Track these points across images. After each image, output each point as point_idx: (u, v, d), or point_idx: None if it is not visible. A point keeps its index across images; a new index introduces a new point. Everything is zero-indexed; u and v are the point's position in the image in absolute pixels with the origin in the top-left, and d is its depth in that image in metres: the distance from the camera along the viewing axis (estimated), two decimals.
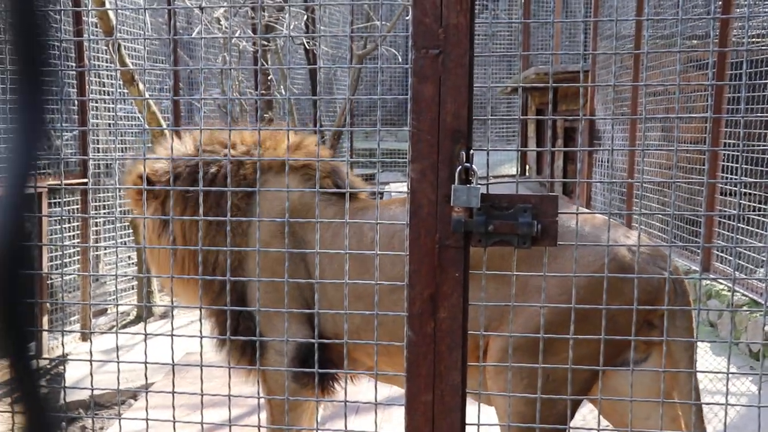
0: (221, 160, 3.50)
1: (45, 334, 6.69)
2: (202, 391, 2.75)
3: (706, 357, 5.33)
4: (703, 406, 4.28)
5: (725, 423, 2.41)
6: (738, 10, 6.09)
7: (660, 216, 7.67)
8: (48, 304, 6.79)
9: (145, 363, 2.81)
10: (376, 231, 2.71)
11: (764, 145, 5.74)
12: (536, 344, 2.51)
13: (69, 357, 6.13)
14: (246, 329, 3.38)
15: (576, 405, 2.99)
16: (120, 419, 3.18)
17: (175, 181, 3.50)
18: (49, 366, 6.58)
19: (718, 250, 6.36)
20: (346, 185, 3.45)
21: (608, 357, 2.62)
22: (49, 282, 7.41)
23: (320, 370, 2.75)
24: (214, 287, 3.51)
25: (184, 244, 3.55)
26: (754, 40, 6.63)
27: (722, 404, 2.37)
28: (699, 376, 4.66)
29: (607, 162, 9.35)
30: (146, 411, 3.04)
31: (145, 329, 2.79)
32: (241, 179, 3.57)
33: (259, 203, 3.44)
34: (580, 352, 2.58)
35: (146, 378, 2.88)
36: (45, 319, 6.76)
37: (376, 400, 2.47)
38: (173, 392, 2.80)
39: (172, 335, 2.74)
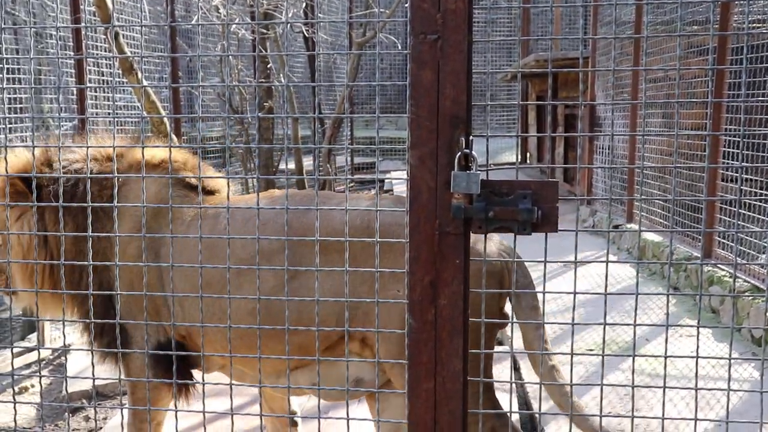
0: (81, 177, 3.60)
1: (47, 325, 6.70)
2: (203, 380, 2.75)
3: (708, 343, 5.33)
4: (706, 392, 4.30)
5: (728, 408, 2.41)
6: None
7: (660, 202, 7.66)
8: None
9: (146, 352, 2.81)
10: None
11: (766, 130, 5.72)
12: None
13: (71, 347, 6.14)
14: (111, 326, 3.45)
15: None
16: (122, 409, 3.18)
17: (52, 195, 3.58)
18: (51, 356, 6.59)
19: (719, 236, 6.35)
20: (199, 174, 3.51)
21: None
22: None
23: (178, 381, 2.88)
24: (82, 293, 3.58)
25: (57, 256, 3.57)
26: (754, 24, 6.59)
27: (725, 390, 2.37)
28: (701, 362, 4.68)
29: (608, 148, 9.33)
30: (148, 401, 3.05)
31: (146, 321, 2.79)
32: (104, 188, 3.65)
33: (120, 204, 3.52)
34: None
35: (147, 368, 2.88)
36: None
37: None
38: (174, 381, 2.80)
39: (172, 325, 2.74)
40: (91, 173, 3.58)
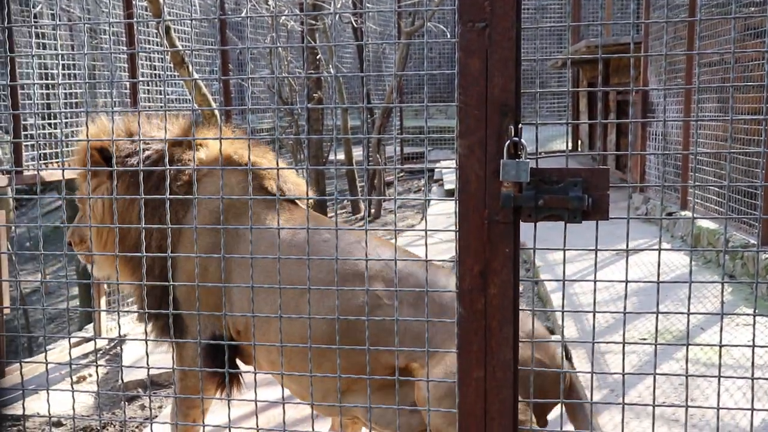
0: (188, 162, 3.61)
1: (103, 316, 6.82)
2: (255, 370, 2.78)
3: (766, 332, 5.23)
4: (763, 381, 4.22)
5: None
6: None
7: (715, 188, 7.52)
8: (105, 287, 6.92)
9: (199, 342, 2.85)
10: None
11: None
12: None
13: (126, 337, 6.25)
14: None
15: None
16: (176, 398, 3.24)
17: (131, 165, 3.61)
18: (107, 346, 6.72)
19: None
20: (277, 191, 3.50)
21: None
22: None
23: (231, 370, 2.87)
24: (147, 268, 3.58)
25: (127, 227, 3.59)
26: None
27: None
28: (758, 351, 4.59)
29: (661, 135, 9.18)
30: (201, 391, 3.09)
31: (198, 310, 2.83)
32: (181, 174, 3.67)
33: (198, 193, 3.52)
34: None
35: (200, 358, 2.92)
36: (103, 300, 6.88)
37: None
38: (226, 371, 2.84)
39: (225, 316, 2.78)
40: (171, 159, 3.63)
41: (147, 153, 3.67)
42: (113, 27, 7.45)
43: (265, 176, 3.67)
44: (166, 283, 2.84)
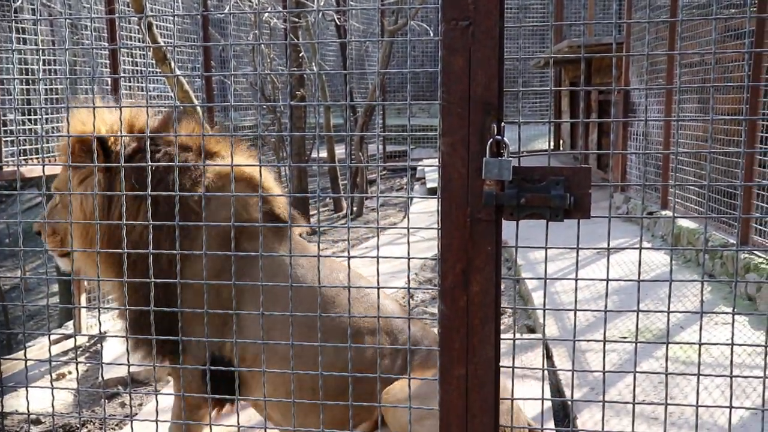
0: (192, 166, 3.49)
1: (83, 313, 6.78)
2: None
3: (744, 331, 5.27)
4: (741, 380, 4.25)
5: (764, 397, 2.39)
6: None
7: (695, 188, 7.57)
8: (86, 284, 6.87)
9: (180, 339, 2.84)
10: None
11: None
12: None
13: (106, 334, 6.22)
14: (169, 324, 3.27)
15: None
16: (157, 395, 3.22)
17: (128, 160, 3.40)
18: (87, 343, 6.68)
19: (756, 222, 6.26)
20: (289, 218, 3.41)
21: None
22: None
23: (214, 395, 2.85)
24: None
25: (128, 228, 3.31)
26: None
27: (761, 377, 2.34)
28: (737, 350, 4.63)
29: (642, 134, 9.24)
30: (182, 388, 3.08)
31: (179, 307, 2.82)
32: (195, 182, 3.49)
33: (210, 209, 3.41)
34: None
35: (180, 354, 2.91)
36: (83, 298, 6.84)
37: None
38: (208, 368, 2.82)
39: (205, 312, 2.77)
40: (172, 160, 3.39)
41: (158, 156, 3.48)
42: (95, 23, 7.41)
43: (274, 203, 3.63)
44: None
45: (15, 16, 7.42)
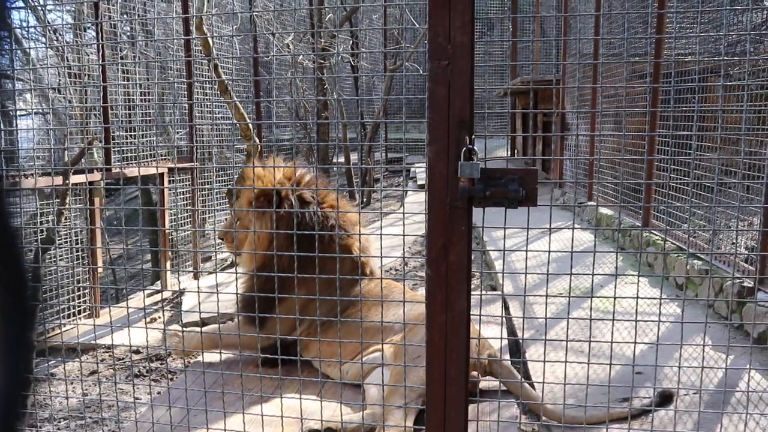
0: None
1: (168, 274, 6.78)
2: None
3: (645, 288, 5.25)
4: (642, 323, 4.24)
5: (658, 335, 2.39)
6: (668, 30, 5.90)
7: (612, 185, 7.54)
8: (170, 252, 6.88)
9: (236, 294, 2.83)
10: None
11: (687, 133, 5.59)
12: None
13: (185, 290, 6.22)
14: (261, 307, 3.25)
15: None
16: (221, 335, 3.22)
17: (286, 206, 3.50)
18: (172, 297, 6.69)
19: (654, 210, 6.25)
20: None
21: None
22: (170, 237, 7.50)
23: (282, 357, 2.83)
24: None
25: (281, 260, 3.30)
26: (679, 53, 6.45)
27: (656, 321, 2.34)
28: (640, 302, 4.62)
29: (574, 146, 9.19)
30: (238, 329, 3.07)
31: (236, 271, 2.81)
32: (325, 226, 3.58)
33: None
34: None
35: (237, 305, 2.90)
36: (168, 263, 6.84)
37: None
38: (257, 315, 2.81)
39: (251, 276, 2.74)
40: (326, 220, 3.58)
41: (315, 209, 3.59)
42: (177, 64, 7.38)
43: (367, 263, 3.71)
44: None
45: (121, 59, 7.40)
